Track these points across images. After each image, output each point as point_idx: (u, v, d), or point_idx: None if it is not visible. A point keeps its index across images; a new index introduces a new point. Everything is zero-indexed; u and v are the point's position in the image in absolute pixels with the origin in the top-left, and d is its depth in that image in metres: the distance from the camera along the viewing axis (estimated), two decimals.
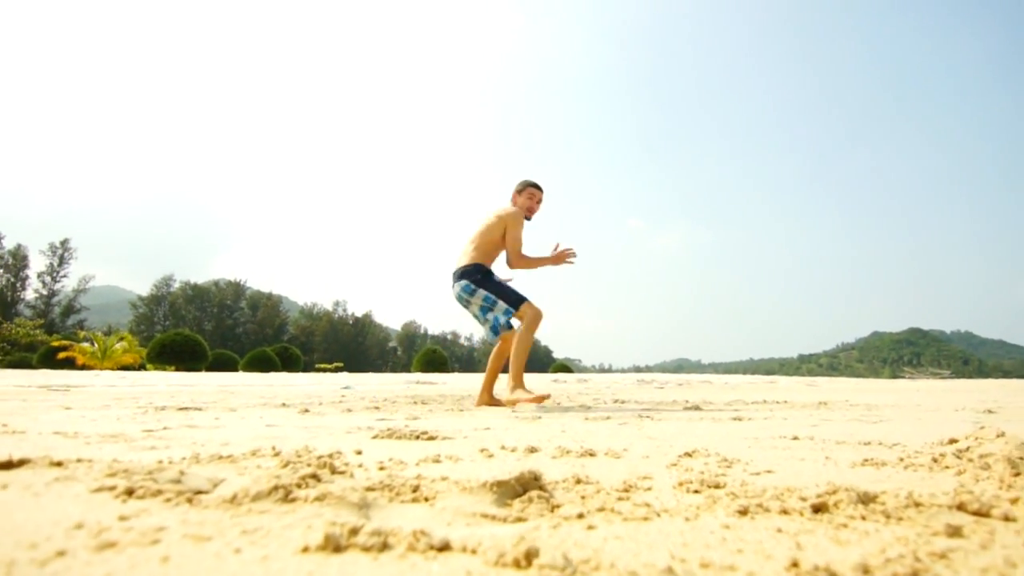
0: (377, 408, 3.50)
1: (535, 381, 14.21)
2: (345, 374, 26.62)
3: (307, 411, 3.18)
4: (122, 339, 29.94)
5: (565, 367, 39.51)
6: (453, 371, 42.00)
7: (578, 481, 0.96)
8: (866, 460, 1.24)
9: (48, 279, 73.15)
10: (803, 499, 0.78)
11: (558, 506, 0.83)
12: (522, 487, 0.89)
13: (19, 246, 71.78)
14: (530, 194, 3.80)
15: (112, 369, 27.40)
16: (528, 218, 3.80)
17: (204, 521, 0.70)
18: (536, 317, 3.55)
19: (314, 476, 0.95)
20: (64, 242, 75.32)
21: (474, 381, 14.16)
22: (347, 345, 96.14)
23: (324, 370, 45.00)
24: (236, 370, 31.95)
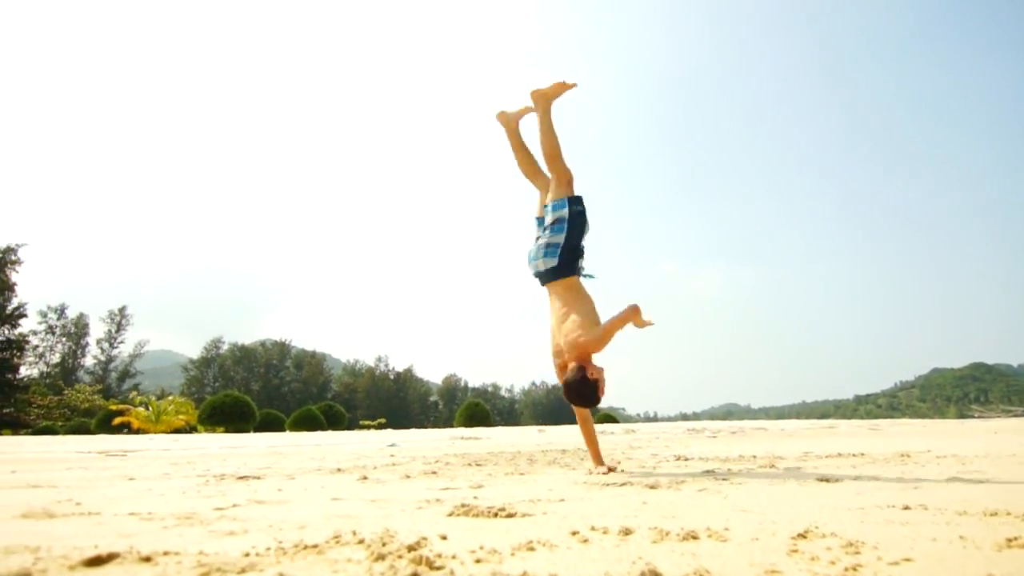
0: (434, 473, 3.41)
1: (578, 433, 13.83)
2: (389, 431, 26.57)
3: (365, 478, 3.12)
4: (173, 402, 30.77)
5: (611, 417, 38.51)
6: (495, 424, 41.46)
7: None
8: (1010, 540, 1.11)
9: (106, 345, 76.57)
10: None
11: None
12: None
13: (81, 315, 75.68)
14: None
15: (165, 432, 28.05)
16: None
17: None
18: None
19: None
20: (121, 309, 79.17)
21: (517, 435, 13.89)
22: (389, 400, 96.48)
23: (367, 427, 45.06)
24: (283, 429, 32.27)
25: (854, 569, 0.93)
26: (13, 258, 46.13)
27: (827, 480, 2.35)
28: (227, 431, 28.08)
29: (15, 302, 46.13)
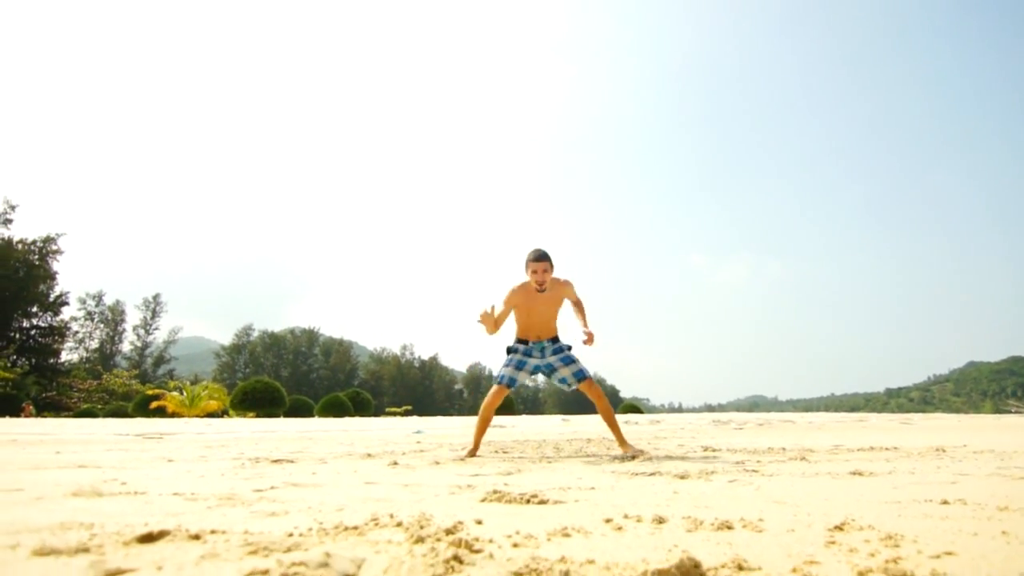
0: (462, 460, 3.46)
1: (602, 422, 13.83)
2: (415, 418, 26.89)
3: (396, 464, 3.18)
4: (207, 388, 31.62)
5: (635, 407, 38.36)
6: (520, 413, 41.66)
7: (740, 568, 0.88)
8: None
9: (142, 332, 78.88)
10: None
11: None
12: None
13: (117, 302, 78.00)
14: (532, 270, 3.75)
15: (199, 416, 28.86)
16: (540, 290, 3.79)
17: None
18: None
19: (456, 558, 0.91)
20: (156, 297, 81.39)
21: (542, 423, 13.94)
22: (415, 388, 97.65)
23: (394, 414, 45.68)
24: (311, 415, 32.92)
25: (895, 561, 0.93)
26: (54, 247, 47.75)
27: (860, 473, 2.32)
28: (258, 416, 28.77)
29: (57, 290, 47.83)
